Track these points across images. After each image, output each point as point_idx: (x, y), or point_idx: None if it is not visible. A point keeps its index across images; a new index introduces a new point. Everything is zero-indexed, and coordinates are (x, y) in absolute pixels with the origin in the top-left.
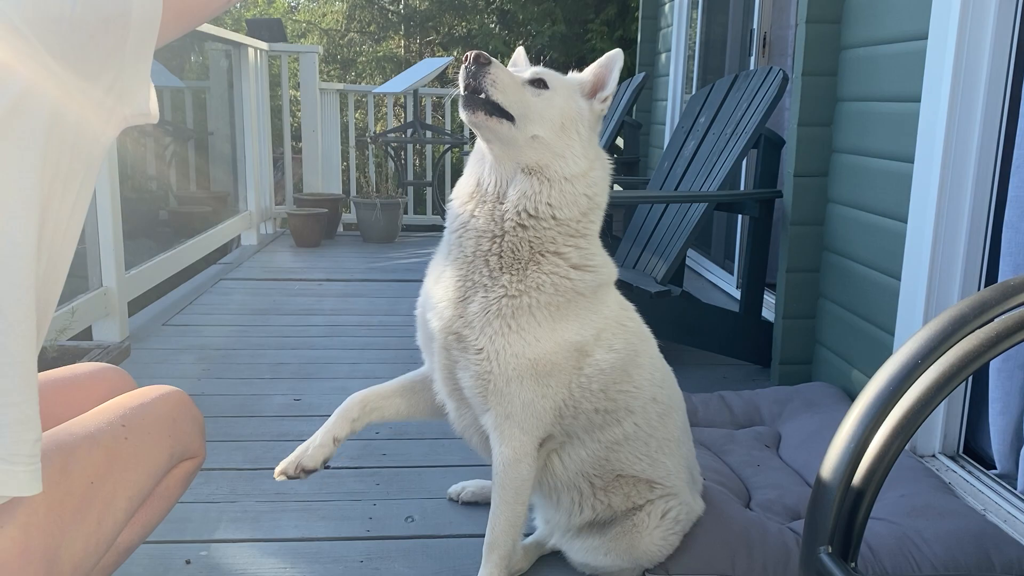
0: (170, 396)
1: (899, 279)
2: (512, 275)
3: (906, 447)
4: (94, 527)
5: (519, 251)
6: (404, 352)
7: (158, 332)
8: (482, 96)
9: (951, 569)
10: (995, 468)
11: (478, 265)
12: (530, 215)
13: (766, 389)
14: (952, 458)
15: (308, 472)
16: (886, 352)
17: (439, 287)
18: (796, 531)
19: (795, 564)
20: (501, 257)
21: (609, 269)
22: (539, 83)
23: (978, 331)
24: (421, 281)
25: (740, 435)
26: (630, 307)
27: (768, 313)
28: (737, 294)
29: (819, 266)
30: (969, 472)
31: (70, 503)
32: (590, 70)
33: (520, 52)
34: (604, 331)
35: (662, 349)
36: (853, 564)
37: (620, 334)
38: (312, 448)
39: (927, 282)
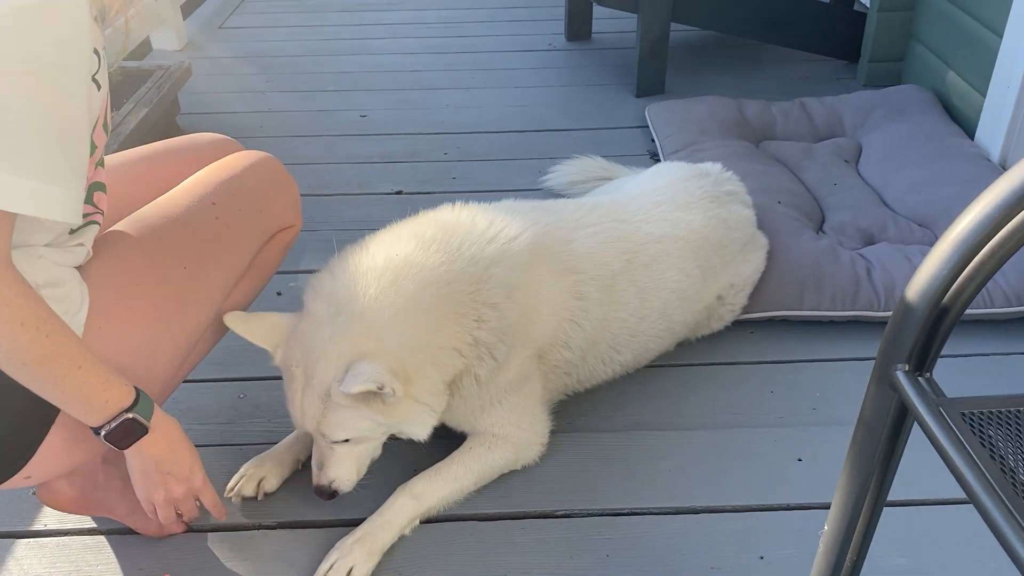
0: (261, 166)
1: None
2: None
3: (995, 160)
4: (192, 309)
5: None
6: (465, 57)
7: (214, 36)
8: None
9: (1022, 297)
10: None
11: None
12: None
13: (851, 95)
14: None
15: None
16: (989, 56)
17: None
18: (866, 257)
19: (864, 295)
20: None
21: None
22: (342, 443)
23: None
24: None
25: (819, 149)
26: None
27: (861, 7)
28: None
29: None
30: None
31: (166, 291)
32: (361, 389)
33: None
34: (556, 330)
35: (738, 46)
36: (928, 374)
37: (580, 315)
38: (271, 473)
39: None
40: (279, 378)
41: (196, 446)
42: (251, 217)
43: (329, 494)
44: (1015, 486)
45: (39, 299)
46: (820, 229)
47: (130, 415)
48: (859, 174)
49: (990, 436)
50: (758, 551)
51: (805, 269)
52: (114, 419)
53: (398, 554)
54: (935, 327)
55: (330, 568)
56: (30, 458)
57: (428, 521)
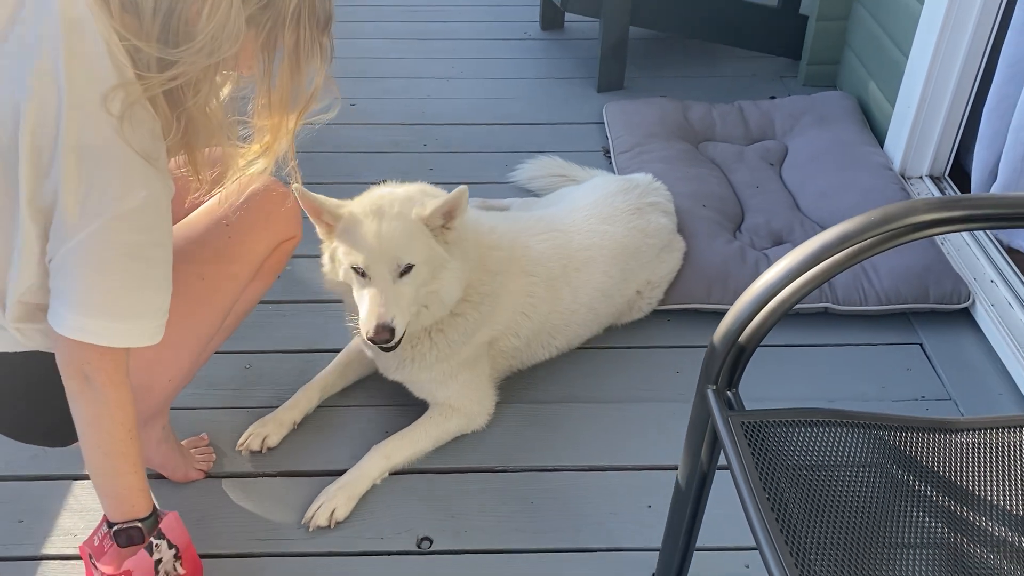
0: (267, 190)
1: (922, 2)
2: (430, 343)
3: (896, 169)
4: (210, 309)
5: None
6: (446, 44)
7: None
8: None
9: (892, 300)
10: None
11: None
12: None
13: (784, 99)
14: (937, 180)
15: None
16: (898, 73)
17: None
18: (770, 259)
19: None
20: (413, 348)
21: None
22: (407, 270)
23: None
24: None
25: (749, 152)
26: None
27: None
28: None
29: None
30: None
31: (189, 297)
32: (439, 205)
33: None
34: (510, 321)
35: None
36: (735, 389)
37: (530, 310)
38: (272, 432)
39: (945, 10)
40: (278, 351)
41: (210, 409)
42: (257, 233)
43: (390, 330)
44: (764, 486)
45: (135, 405)
46: (738, 229)
47: (139, 524)
48: (781, 177)
49: (763, 442)
50: (647, 501)
51: (714, 270)
52: (128, 522)
53: (371, 499)
54: (737, 357)
55: (318, 508)
56: None
57: (395, 473)
